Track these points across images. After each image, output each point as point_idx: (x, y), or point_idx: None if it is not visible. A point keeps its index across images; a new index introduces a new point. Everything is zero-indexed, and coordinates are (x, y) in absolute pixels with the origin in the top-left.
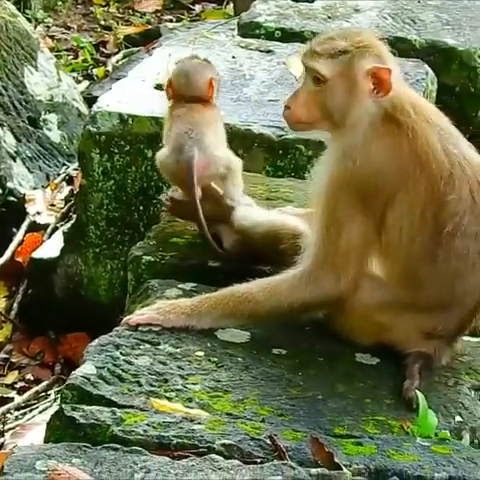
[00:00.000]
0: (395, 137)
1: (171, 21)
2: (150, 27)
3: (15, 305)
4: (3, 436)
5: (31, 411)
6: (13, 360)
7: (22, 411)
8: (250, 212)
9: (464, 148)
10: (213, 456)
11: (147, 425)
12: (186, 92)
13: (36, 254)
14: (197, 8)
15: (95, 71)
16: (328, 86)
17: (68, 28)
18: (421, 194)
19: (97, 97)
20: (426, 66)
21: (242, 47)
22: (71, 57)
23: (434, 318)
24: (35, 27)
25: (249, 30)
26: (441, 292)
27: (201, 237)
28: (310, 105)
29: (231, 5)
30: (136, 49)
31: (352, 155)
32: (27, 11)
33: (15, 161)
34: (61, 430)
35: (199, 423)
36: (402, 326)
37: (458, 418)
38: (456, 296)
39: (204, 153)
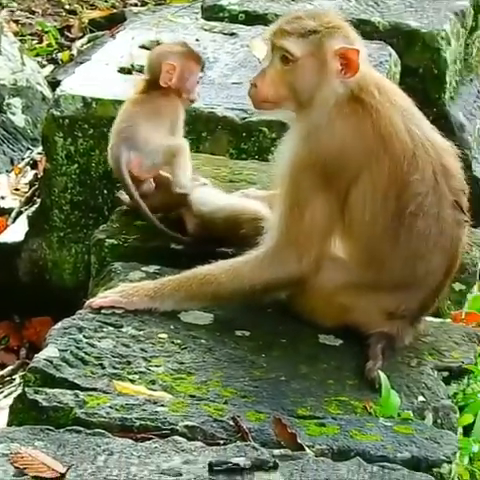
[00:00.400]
0: (359, 117)
1: (136, 5)
2: (115, 11)
3: None
4: None
5: None
6: None
7: None
8: (209, 196)
9: (427, 129)
10: (176, 438)
11: (110, 407)
12: (145, 76)
13: (0, 238)
14: None
15: (60, 55)
16: (297, 65)
17: (33, 12)
18: (384, 174)
19: (61, 81)
20: (389, 48)
21: (206, 30)
22: (36, 41)
23: (396, 298)
24: None
25: (213, 13)
26: (403, 272)
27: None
28: (278, 84)
29: None
30: (101, 33)
31: (316, 135)
32: None
33: None
34: (24, 413)
35: (162, 405)
36: (364, 307)
37: (421, 398)
38: (418, 276)
39: (136, 149)
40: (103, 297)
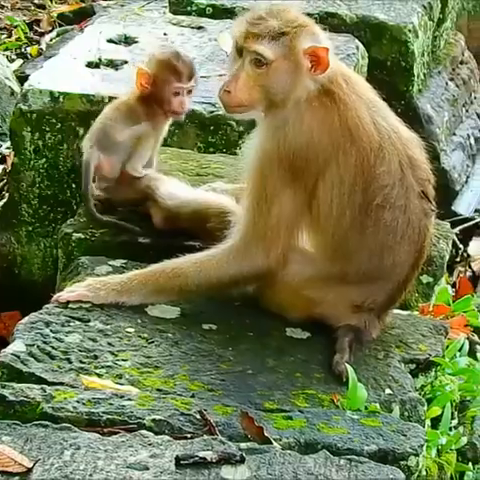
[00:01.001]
0: (326, 110)
1: None
2: (84, 5)
3: None
4: None
5: None
6: None
7: None
8: (175, 190)
9: (393, 121)
10: (143, 432)
11: (77, 402)
12: None
13: None
14: None
15: (29, 50)
16: (271, 68)
17: (1, 7)
18: (351, 166)
19: (30, 76)
20: (357, 41)
21: (173, 24)
22: (4, 36)
23: (364, 291)
24: None
25: (180, 7)
26: (370, 265)
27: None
28: (251, 88)
29: None
30: (70, 27)
31: (284, 129)
32: None
33: None
34: None
35: (129, 399)
36: (332, 300)
37: (388, 391)
38: (385, 268)
39: (106, 150)
40: (70, 291)
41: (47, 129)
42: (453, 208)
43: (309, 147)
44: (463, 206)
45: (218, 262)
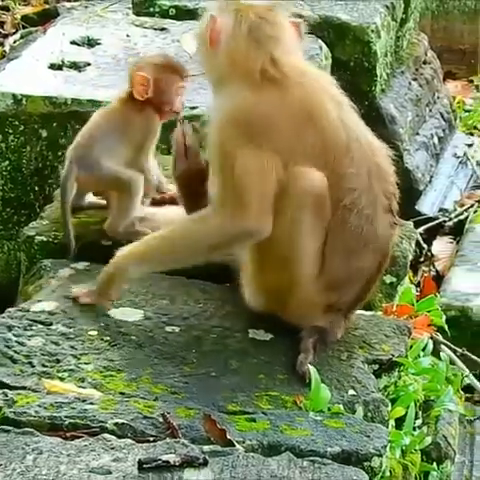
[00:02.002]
0: (286, 88)
1: (69, 0)
2: (48, 7)
3: None
4: None
5: None
6: None
7: None
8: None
9: (362, 127)
10: (106, 436)
11: (39, 406)
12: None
13: None
14: None
15: None
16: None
17: None
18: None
19: None
20: (320, 41)
21: (136, 25)
22: None
23: (333, 292)
24: None
25: (143, 8)
26: (338, 266)
27: None
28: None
29: None
30: (34, 29)
31: (238, 100)
32: None
33: None
34: None
35: (91, 403)
36: (301, 301)
37: (351, 392)
38: (351, 271)
39: (86, 169)
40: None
41: (10, 131)
42: (417, 208)
43: (266, 117)
44: (427, 206)
45: (198, 228)
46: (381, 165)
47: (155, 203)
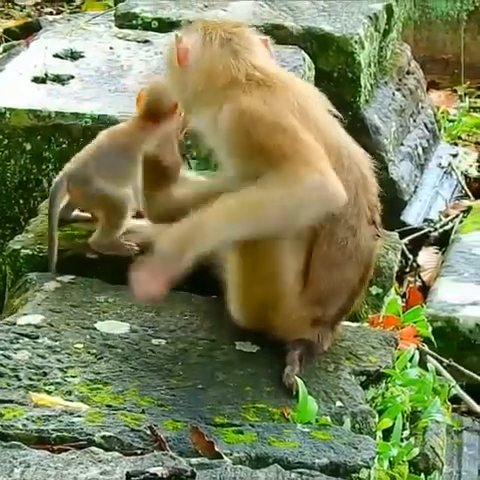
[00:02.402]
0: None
1: (51, 13)
2: (30, 20)
3: None
4: None
5: None
6: None
7: None
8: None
9: (347, 138)
10: (93, 449)
11: (26, 419)
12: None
13: None
14: (77, 0)
15: None
16: None
17: None
18: None
19: None
20: (303, 52)
21: (119, 38)
22: None
23: (319, 305)
24: None
25: (126, 21)
26: (323, 278)
27: None
28: None
29: None
30: (16, 42)
31: (237, 103)
32: None
33: None
34: None
35: (79, 416)
36: (286, 316)
37: (339, 403)
38: (335, 284)
39: (77, 184)
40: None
41: None
42: (402, 218)
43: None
44: (412, 216)
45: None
46: (367, 176)
47: (140, 216)
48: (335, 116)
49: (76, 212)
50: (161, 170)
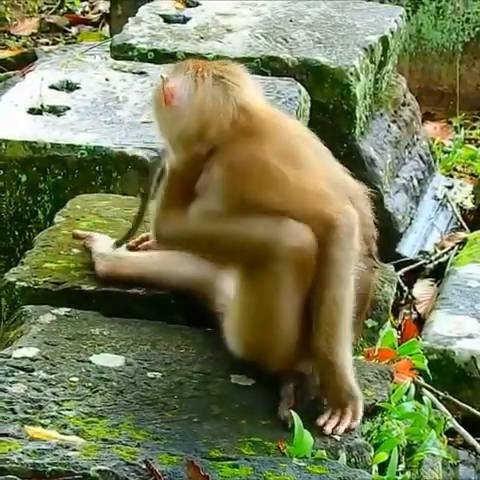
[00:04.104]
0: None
1: (47, 44)
2: (26, 50)
3: None
4: None
5: None
6: None
7: None
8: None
9: (340, 171)
10: None
11: (22, 453)
12: None
13: None
14: (73, 30)
15: None
16: None
17: None
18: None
19: None
20: (299, 84)
21: (115, 69)
22: None
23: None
24: None
25: (122, 52)
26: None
27: None
28: None
29: (107, 27)
30: (12, 73)
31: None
32: None
33: None
34: None
35: (74, 449)
36: (282, 351)
37: (335, 437)
38: None
39: None
40: None
41: None
42: (397, 250)
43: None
44: (407, 248)
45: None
46: (361, 210)
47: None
48: (330, 149)
49: None
50: (187, 188)
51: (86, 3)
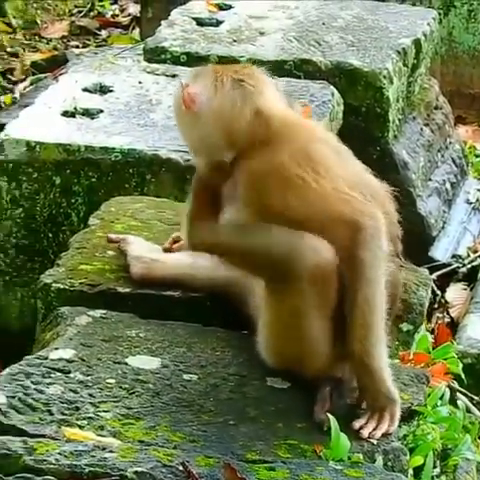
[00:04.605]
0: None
1: (78, 47)
2: (57, 53)
3: None
4: None
5: None
6: None
7: None
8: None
9: (360, 169)
10: None
11: (59, 454)
12: None
13: None
14: (103, 33)
15: (2, 98)
16: None
17: None
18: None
19: (4, 125)
20: (332, 87)
21: (148, 72)
22: None
23: (344, 342)
24: None
25: (155, 55)
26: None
27: None
28: None
29: (137, 30)
30: (43, 75)
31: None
32: None
33: None
34: None
35: (111, 451)
36: (314, 359)
37: (371, 441)
38: None
39: None
40: None
41: (23, 179)
42: (430, 254)
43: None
44: (440, 252)
45: None
46: (385, 209)
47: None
48: (363, 152)
49: None
50: (214, 195)
51: (116, 6)
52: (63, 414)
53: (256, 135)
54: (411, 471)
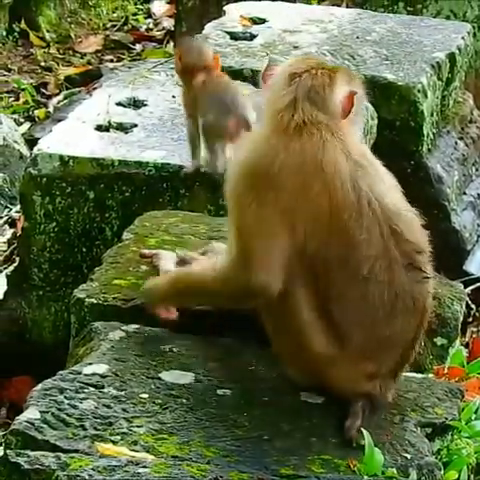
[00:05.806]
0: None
1: (112, 61)
2: (91, 67)
3: None
4: None
5: None
6: None
7: None
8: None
9: (381, 190)
10: None
11: (92, 469)
12: None
13: None
14: (138, 47)
15: (36, 113)
16: None
17: (8, 70)
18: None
19: (38, 139)
20: (366, 101)
21: (181, 86)
22: (12, 99)
23: (372, 361)
24: None
25: None
26: (362, 337)
27: None
28: None
29: (171, 44)
30: (77, 90)
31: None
32: None
33: None
34: (5, 476)
35: (144, 466)
36: (338, 375)
37: (405, 455)
38: (381, 339)
39: None
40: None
41: (57, 193)
42: (464, 268)
43: (272, 167)
44: (475, 266)
45: (213, 279)
46: (396, 229)
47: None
48: (397, 166)
49: None
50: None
51: (150, 20)
52: (96, 429)
53: (290, 128)
54: None
